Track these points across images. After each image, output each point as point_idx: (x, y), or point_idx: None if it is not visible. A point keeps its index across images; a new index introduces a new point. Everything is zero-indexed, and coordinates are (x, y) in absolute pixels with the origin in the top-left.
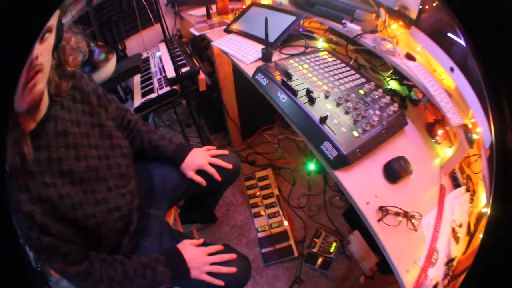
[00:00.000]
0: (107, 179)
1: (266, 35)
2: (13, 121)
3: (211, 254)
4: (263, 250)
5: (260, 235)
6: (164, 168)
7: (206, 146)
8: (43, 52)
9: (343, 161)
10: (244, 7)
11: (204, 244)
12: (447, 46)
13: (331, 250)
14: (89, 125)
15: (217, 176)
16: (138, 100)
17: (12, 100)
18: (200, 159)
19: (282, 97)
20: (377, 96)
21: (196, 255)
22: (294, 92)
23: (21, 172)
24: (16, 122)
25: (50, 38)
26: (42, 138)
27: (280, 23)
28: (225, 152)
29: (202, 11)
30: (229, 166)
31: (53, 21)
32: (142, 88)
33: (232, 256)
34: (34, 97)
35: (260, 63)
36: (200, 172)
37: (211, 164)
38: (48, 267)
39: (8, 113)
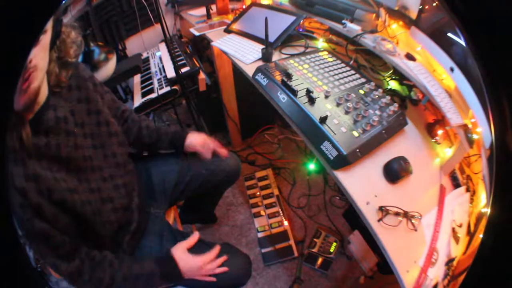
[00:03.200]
0: (102, 168)
1: (266, 35)
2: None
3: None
4: (263, 250)
5: (260, 235)
6: (163, 167)
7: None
8: (37, 53)
9: (343, 161)
10: (244, 7)
11: (199, 242)
12: (447, 46)
13: (331, 250)
14: (85, 113)
15: (221, 151)
16: (138, 100)
17: (12, 98)
18: (201, 135)
19: (282, 97)
20: (377, 96)
21: (192, 267)
22: (294, 92)
23: (19, 150)
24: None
25: (45, 39)
26: (42, 125)
27: (280, 23)
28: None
29: (202, 11)
30: (225, 152)
31: (47, 24)
32: (142, 88)
33: (224, 258)
34: (30, 96)
35: (260, 63)
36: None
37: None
38: (40, 258)
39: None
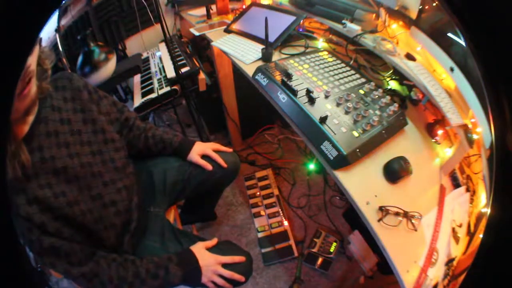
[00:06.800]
0: (102, 174)
1: (266, 35)
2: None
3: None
4: (263, 250)
5: (260, 235)
6: (163, 165)
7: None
8: (32, 61)
9: (343, 161)
10: (244, 7)
11: (217, 245)
12: (447, 46)
13: (331, 250)
14: (81, 122)
15: (220, 161)
16: (138, 100)
17: (10, 110)
18: (204, 145)
19: (282, 97)
20: (377, 96)
21: (209, 263)
22: (294, 92)
23: (18, 177)
24: (11, 133)
25: (36, 47)
26: (34, 141)
27: (280, 23)
28: (229, 149)
29: (202, 11)
30: (230, 150)
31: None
32: (142, 88)
33: (241, 258)
34: (32, 98)
35: (260, 63)
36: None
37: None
38: (52, 270)
39: (8, 123)
